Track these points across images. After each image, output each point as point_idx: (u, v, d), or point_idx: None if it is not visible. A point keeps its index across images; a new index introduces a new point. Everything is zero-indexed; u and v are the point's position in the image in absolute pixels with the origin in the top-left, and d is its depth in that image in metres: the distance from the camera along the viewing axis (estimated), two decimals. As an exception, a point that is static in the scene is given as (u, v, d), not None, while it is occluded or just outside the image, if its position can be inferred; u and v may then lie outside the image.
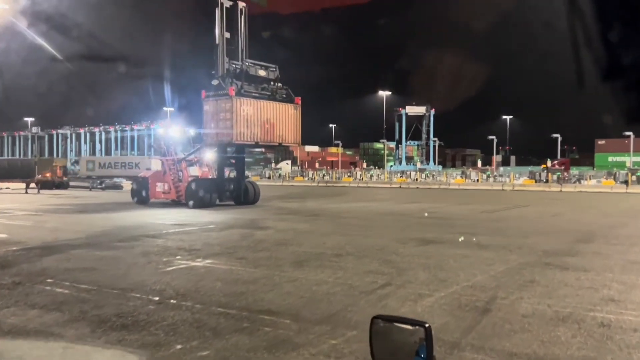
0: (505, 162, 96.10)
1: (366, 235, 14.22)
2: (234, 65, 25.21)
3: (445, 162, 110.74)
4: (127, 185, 40.02)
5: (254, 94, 25.44)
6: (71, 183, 43.01)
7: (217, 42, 24.96)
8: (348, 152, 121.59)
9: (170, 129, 28.36)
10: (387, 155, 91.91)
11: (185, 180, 25.11)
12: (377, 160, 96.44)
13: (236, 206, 24.87)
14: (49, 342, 5.12)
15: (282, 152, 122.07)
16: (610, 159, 72.93)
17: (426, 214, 20.78)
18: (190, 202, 23.65)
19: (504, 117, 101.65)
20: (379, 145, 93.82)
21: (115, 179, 42.86)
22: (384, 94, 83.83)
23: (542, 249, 11.97)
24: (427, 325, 1.72)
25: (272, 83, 26.51)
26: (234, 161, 26.97)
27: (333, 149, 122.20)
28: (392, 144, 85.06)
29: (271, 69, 26.64)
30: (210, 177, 26.54)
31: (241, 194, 25.93)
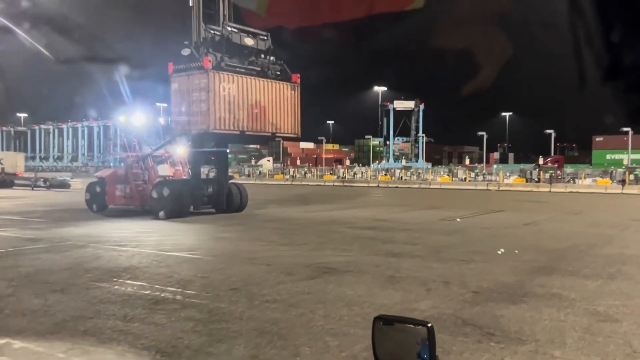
0: (504, 160, 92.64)
1: (253, 260, 10.53)
2: (212, 31, 19.12)
3: (442, 159, 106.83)
4: (77, 184, 36.36)
5: (238, 69, 19.51)
6: (16, 181, 39.31)
7: (191, 3, 19.15)
8: (344, 149, 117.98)
9: (134, 117, 22.05)
10: (383, 153, 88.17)
11: (152, 182, 19.54)
12: (373, 157, 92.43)
13: (215, 214, 19.57)
14: (53, 342, 4.85)
15: (277, 147, 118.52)
16: (608, 156, 68.95)
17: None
18: (161, 213, 18.13)
19: (503, 113, 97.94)
20: (374, 142, 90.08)
21: (63, 177, 39.16)
22: (379, 89, 79.85)
23: (477, 285, 8.27)
24: (429, 325, 1.71)
25: (262, 56, 20.36)
26: (213, 157, 21.02)
27: (329, 146, 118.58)
28: (391, 141, 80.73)
29: (261, 37, 20.29)
30: (185, 177, 20.81)
31: (223, 199, 20.13)
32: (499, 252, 11.34)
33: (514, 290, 7.97)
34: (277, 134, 21.11)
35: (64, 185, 37.60)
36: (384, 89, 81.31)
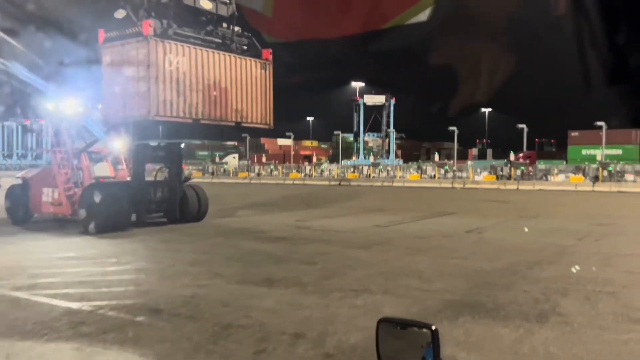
0: (482, 155, 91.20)
1: (55, 295, 7.74)
2: None
3: (421, 155, 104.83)
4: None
5: (192, 40, 15.32)
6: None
7: None
8: (323, 146, 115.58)
9: (63, 104, 16.79)
10: (353, 149, 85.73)
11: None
12: (350, 154, 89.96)
13: (164, 225, 15.63)
14: (59, 344, 4.96)
15: (255, 143, 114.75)
16: (584, 152, 66.90)
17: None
18: (90, 225, 14.07)
19: (482, 109, 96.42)
20: (352, 139, 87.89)
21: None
22: (356, 84, 77.12)
23: (340, 339, 5.62)
24: (433, 327, 1.69)
25: (224, 25, 16.25)
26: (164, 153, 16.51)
27: (307, 142, 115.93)
28: (373, 136, 78.18)
29: (222, 0, 16.07)
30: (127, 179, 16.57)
31: (176, 207, 16.13)
32: (574, 270, 9.06)
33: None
34: (243, 124, 16.56)
35: (-9, 185, 34.26)
36: (362, 84, 78.84)
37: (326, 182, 45.29)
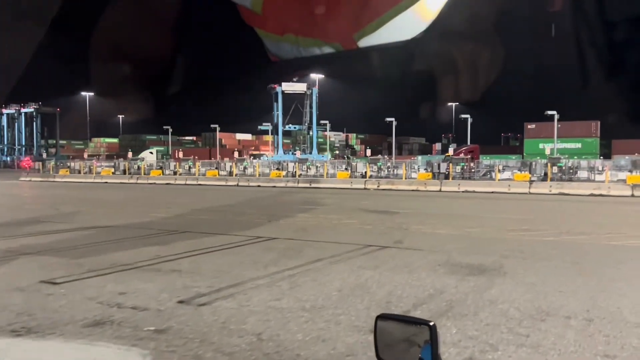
0: (446, 151, 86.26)
1: None
2: None
3: (383, 150, 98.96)
4: None
5: None
6: None
7: None
8: (286, 140, 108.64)
9: None
10: (322, 144, 79.16)
11: None
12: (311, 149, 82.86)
13: None
14: (49, 341, 4.67)
15: (209, 137, 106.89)
16: (541, 145, 60.90)
17: None
18: None
19: (449, 104, 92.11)
20: (312, 133, 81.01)
21: None
22: (316, 77, 69.67)
23: None
24: (431, 324, 1.68)
25: None
26: None
27: (268, 137, 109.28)
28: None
29: None
30: None
31: None
32: None
33: None
34: None
35: None
36: (321, 76, 71.57)
37: (222, 183, 37.73)
